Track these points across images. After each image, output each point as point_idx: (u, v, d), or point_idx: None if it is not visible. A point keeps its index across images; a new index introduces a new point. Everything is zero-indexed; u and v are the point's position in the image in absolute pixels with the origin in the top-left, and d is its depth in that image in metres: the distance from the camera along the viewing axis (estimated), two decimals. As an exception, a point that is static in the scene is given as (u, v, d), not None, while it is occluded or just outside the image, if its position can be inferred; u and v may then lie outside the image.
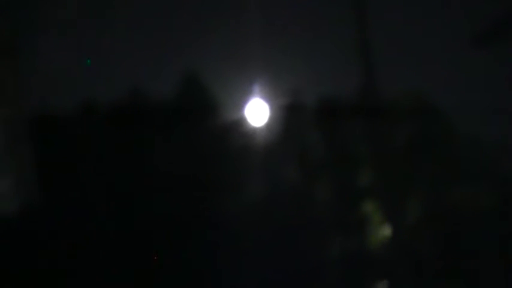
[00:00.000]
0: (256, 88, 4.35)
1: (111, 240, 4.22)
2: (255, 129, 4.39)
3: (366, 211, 4.45)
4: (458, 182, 4.49)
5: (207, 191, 4.33)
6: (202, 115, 4.41)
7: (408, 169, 4.50)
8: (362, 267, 4.41)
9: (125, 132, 4.38)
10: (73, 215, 4.22)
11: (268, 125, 4.40)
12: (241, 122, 4.38)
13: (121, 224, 4.25)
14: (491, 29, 4.47)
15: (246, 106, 4.38)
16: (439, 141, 4.54)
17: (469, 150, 4.52)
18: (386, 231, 4.44)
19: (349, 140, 4.53)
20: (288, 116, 4.41)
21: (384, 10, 4.35)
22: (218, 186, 4.35)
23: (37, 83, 4.38)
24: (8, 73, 4.40)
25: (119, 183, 4.34)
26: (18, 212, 4.26)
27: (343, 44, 4.41)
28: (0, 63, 4.40)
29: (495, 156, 4.52)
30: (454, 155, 4.53)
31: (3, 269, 4.08)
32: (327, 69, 4.27)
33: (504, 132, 4.42)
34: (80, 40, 4.37)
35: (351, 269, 4.40)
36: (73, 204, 4.25)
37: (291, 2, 4.31)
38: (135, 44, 4.30)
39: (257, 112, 4.38)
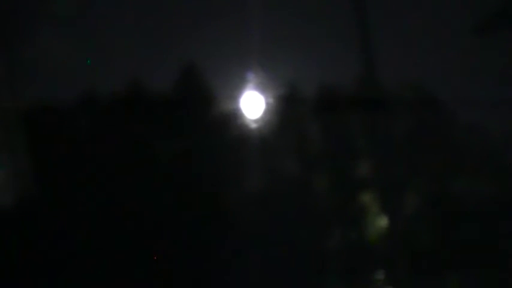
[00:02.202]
0: (252, 79, 4.31)
1: (109, 235, 4.21)
2: (251, 121, 4.36)
3: (364, 202, 4.43)
4: (459, 174, 4.45)
5: (204, 182, 4.32)
6: (197, 106, 4.38)
7: (408, 160, 4.46)
8: (360, 258, 4.40)
9: (122, 124, 4.36)
10: (70, 209, 4.22)
11: (265, 116, 4.37)
12: (237, 114, 4.35)
13: (119, 217, 4.25)
14: (493, 18, 4.41)
15: (242, 97, 4.35)
16: (440, 132, 4.50)
17: (470, 142, 4.48)
18: (385, 222, 4.42)
19: (347, 131, 4.50)
20: (285, 107, 4.37)
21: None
22: (214, 177, 4.34)
23: (34, 74, 4.36)
24: (2, 64, 4.38)
25: (116, 175, 4.33)
26: (14, 205, 4.26)
27: (342, 35, 4.36)
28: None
29: (497, 147, 4.48)
30: (455, 146, 4.49)
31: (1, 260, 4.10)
32: (325, 60, 4.23)
33: (507, 123, 4.38)
34: (78, 31, 4.35)
35: (349, 259, 4.39)
36: (70, 198, 4.25)
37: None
38: (132, 36, 4.27)
39: (253, 104, 4.35)
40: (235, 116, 4.34)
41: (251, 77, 4.30)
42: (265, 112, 4.35)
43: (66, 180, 4.30)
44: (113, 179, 4.32)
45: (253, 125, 4.35)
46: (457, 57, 4.30)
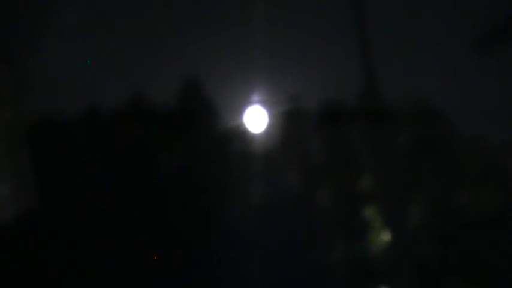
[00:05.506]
0: (256, 94, 4.32)
1: (112, 245, 4.22)
2: (254, 136, 4.36)
3: (367, 216, 4.43)
4: (461, 187, 4.45)
5: (207, 197, 4.32)
6: (201, 121, 4.39)
7: (410, 174, 4.46)
8: (363, 273, 4.40)
9: (125, 138, 4.37)
10: (74, 222, 4.22)
11: (268, 131, 4.37)
12: (240, 128, 4.35)
13: (122, 229, 4.25)
14: (494, 31, 4.41)
15: (246, 112, 4.35)
16: (442, 145, 4.50)
17: (472, 154, 4.48)
18: (387, 236, 4.42)
19: (350, 145, 4.50)
20: (288, 121, 4.38)
21: (384, 13, 4.31)
22: (218, 192, 4.34)
23: (37, 87, 4.36)
24: (6, 76, 4.38)
25: (119, 188, 4.33)
26: (18, 219, 4.26)
27: (344, 49, 4.37)
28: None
29: (499, 160, 4.48)
30: (457, 159, 4.49)
31: (3, 275, 4.10)
32: (327, 74, 4.23)
33: (508, 135, 4.39)
34: (81, 44, 4.34)
35: (352, 274, 4.39)
36: (74, 211, 4.25)
37: (291, 6, 4.27)
38: (134, 49, 4.28)
39: (257, 118, 4.35)
40: (238, 130, 4.34)
41: (254, 91, 4.30)
42: (269, 126, 4.36)
43: (69, 193, 4.31)
44: (116, 192, 4.32)
45: (257, 139, 4.35)
46: (458, 69, 4.31)
